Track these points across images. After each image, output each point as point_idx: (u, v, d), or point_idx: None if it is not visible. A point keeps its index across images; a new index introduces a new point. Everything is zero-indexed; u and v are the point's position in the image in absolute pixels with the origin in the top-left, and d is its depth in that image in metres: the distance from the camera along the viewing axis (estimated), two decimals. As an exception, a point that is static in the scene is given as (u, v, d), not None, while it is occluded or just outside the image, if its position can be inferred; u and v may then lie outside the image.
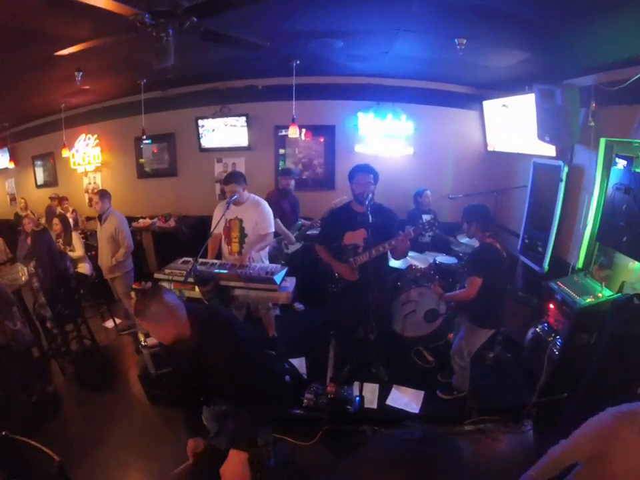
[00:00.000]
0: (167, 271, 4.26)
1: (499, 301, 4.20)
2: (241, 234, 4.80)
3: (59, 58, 4.75)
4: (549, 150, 5.34)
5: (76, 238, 6.67)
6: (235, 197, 4.60)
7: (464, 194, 6.67)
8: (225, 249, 4.93)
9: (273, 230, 4.91)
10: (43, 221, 8.05)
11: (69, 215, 8.08)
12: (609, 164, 4.62)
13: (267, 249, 5.06)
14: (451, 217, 6.92)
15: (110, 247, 5.98)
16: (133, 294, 4.83)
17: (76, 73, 5.71)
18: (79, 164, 9.25)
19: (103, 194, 6.10)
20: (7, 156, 10.16)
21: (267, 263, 4.92)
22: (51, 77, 6.12)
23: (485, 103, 6.90)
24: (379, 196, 4.37)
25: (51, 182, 10.26)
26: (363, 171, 4.26)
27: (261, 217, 4.79)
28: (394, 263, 5.22)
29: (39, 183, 10.60)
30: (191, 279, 3.92)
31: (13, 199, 11.29)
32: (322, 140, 7.77)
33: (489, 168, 7.19)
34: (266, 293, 4.09)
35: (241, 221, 4.80)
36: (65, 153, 8.88)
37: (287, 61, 6.12)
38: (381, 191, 4.49)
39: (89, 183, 9.65)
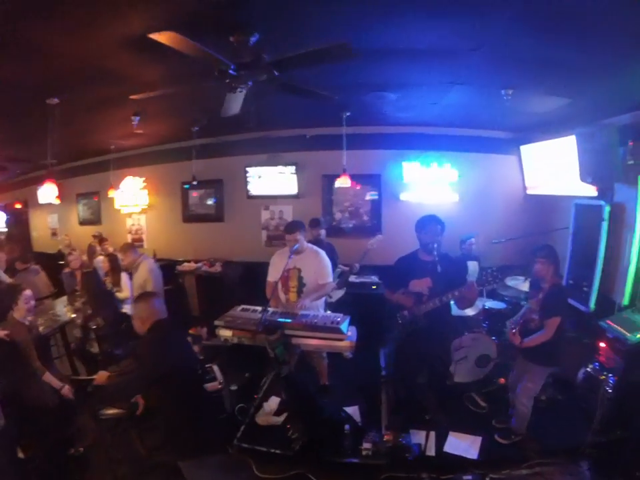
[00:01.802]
0: (227, 318, 4.25)
1: (561, 338, 4.17)
2: (299, 283, 4.77)
3: (118, 100, 4.94)
4: (589, 190, 5.32)
5: (124, 279, 6.71)
6: (297, 246, 4.62)
7: (506, 238, 6.60)
8: (282, 297, 4.89)
9: (332, 280, 4.90)
10: (84, 258, 8.15)
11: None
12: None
13: (324, 298, 5.03)
14: (495, 261, 6.83)
15: None
16: (189, 339, 4.84)
17: (133, 117, 5.87)
18: (124, 205, 9.50)
19: (125, 248, 6.11)
20: (55, 191, 10.34)
21: (322, 312, 4.88)
22: (108, 119, 6.32)
23: (523, 148, 6.93)
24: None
25: (94, 220, 10.58)
26: (433, 222, 4.29)
27: (320, 266, 4.78)
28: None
29: (81, 220, 10.93)
30: (253, 327, 3.91)
31: (54, 234, 11.61)
32: (361, 187, 7.82)
33: (529, 211, 7.14)
34: (330, 342, 4.04)
35: (299, 270, 4.78)
36: (112, 194, 9.12)
37: (337, 112, 6.27)
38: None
39: (133, 224, 9.88)
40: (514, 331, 4.35)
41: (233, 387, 5.18)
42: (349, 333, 4.09)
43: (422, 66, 4.21)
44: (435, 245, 4.16)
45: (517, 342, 4.26)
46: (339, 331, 3.94)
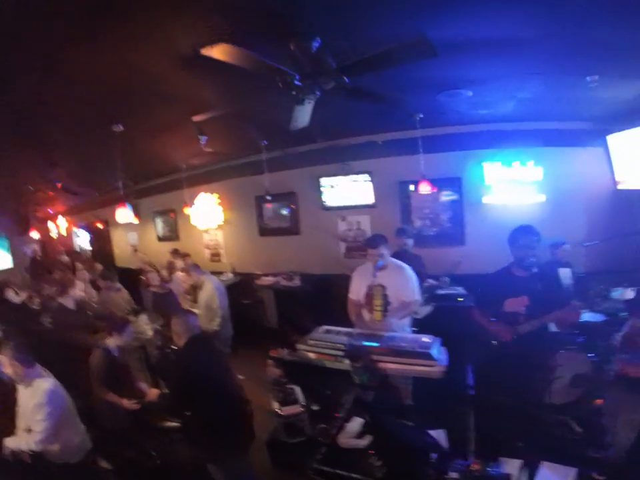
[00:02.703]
0: (310, 341, 4.04)
1: None
2: (383, 301, 4.47)
3: (182, 121, 4.91)
4: None
5: (204, 297, 6.72)
6: (381, 263, 4.33)
7: (598, 240, 6.07)
8: (366, 316, 4.61)
9: (419, 297, 4.58)
10: (164, 273, 8.26)
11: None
12: None
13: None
14: (587, 266, 6.31)
15: (206, 313, 5.91)
16: (270, 362, 4.71)
17: (200, 137, 5.84)
18: (200, 221, 9.67)
19: (188, 268, 6.33)
20: (131, 211, 10.70)
21: (408, 331, 4.59)
22: (174, 140, 6.38)
23: (610, 138, 6.23)
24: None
25: (172, 237, 11.00)
26: (528, 233, 3.87)
27: (405, 283, 4.48)
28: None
29: (159, 237, 11.45)
30: (338, 352, 3.68)
31: (135, 250, 12.18)
32: (440, 192, 7.34)
33: (620, 208, 6.43)
34: (420, 368, 3.74)
35: (383, 287, 4.48)
36: (187, 211, 9.33)
37: (409, 114, 5.93)
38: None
39: (210, 240, 10.08)
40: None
41: (314, 407, 4.99)
42: (441, 356, 3.77)
43: (497, 58, 3.86)
44: (533, 260, 3.78)
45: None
46: (429, 357, 3.64)
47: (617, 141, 6.15)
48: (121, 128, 4.99)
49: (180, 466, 4.45)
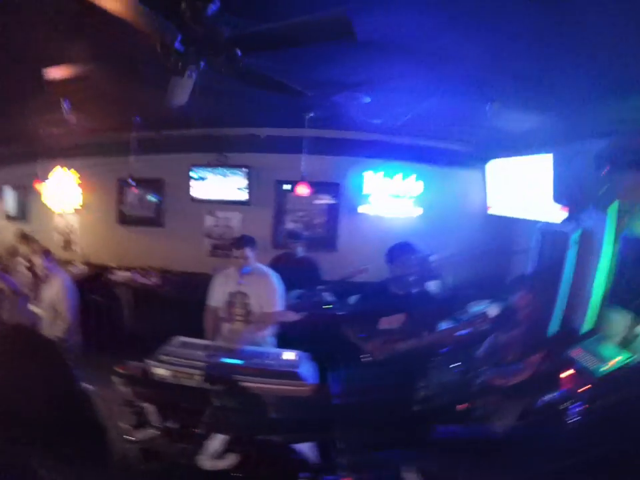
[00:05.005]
0: (162, 356, 3.53)
1: None
2: (245, 311, 4.13)
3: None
4: (554, 215, 4.99)
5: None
6: (247, 268, 3.97)
7: (467, 254, 6.29)
8: (224, 327, 4.23)
9: (281, 308, 4.28)
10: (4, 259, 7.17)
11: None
12: (619, 229, 4.31)
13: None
14: (456, 279, 6.43)
15: (50, 315, 4.99)
16: (116, 379, 4.09)
17: (61, 100, 5.08)
18: (53, 201, 8.51)
19: (38, 255, 5.46)
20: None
21: (271, 344, 4.30)
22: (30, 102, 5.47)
23: (489, 164, 6.49)
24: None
25: (19, 217, 9.53)
26: (406, 252, 4.01)
27: (269, 291, 4.17)
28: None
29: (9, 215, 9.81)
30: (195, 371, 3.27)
31: None
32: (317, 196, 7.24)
33: (488, 231, 6.70)
34: (288, 388, 3.44)
35: (246, 295, 4.13)
36: (39, 187, 8.18)
37: (299, 112, 5.60)
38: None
39: (63, 224, 8.94)
40: None
41: (172, 425, 4.45)
42: (309, 375, 3.50)
43: (409, 65, 3.63)
44: (411, 278, 3.79)
45: None
46: (297, 377, 3.42)
47: (492, 168, 6.40)
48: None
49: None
